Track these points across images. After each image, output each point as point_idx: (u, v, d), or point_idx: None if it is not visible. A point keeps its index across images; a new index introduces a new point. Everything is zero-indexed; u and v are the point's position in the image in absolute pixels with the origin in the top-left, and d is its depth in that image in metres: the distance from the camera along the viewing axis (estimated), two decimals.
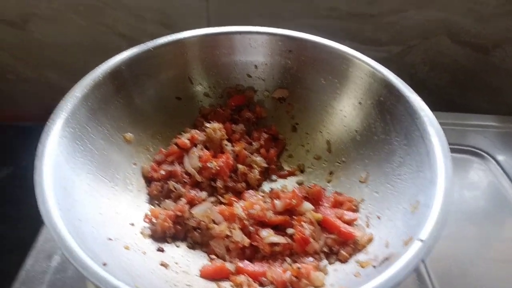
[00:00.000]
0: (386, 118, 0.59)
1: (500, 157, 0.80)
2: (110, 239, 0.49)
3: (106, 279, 0.38)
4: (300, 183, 0.65)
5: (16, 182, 1.34)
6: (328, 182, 0.64)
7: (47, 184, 0.45)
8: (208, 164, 0.60)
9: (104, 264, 0.41)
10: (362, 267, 0.48)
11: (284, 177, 0.66)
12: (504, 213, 0.73)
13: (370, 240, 0.52)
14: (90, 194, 0.52)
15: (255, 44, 0.68)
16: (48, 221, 0.42)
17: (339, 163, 0.65)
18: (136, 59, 0.62)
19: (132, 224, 0.55)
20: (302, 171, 0.67)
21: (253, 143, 0.67)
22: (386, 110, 0.60)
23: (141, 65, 0.62)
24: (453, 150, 0.79)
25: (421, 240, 0.41)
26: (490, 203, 0.75)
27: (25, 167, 1.54)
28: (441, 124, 0.85)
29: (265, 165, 0.65)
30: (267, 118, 0.72)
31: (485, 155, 0.81)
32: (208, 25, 1.03)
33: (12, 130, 1.44)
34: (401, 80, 0.59)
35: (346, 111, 0.65)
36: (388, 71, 0.60)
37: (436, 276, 0.61)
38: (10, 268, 1.16)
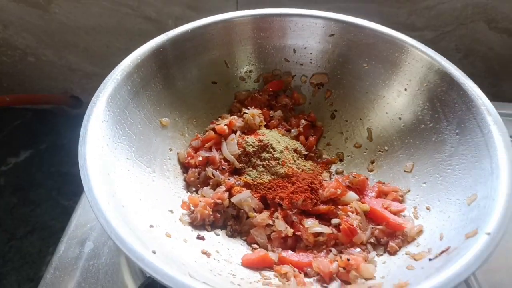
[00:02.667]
0: (436, 106, 0.57)
1: None
2: (151, 226, 0.48)
3: (162, 270, 0.36)
4: (339, 172, 0.63)
5: (35, 165, 1.35)
6: (370, 171, 0.62)
7: (92, 170, 0.43)
8: (246, 147, 0.58)
9: (154, 252, 0.40)
10: (416, 259, 0.46)
11: (323, 165, 0.63)
12: None
13: (420, 232, 0.49)
14: (130, 179, 0.50)
15: (295, 27, 0.65)
16: (96, 210, 0.40)
17: (381, 151, 0.62)
18: (177, 40, 0.59)
19: (171, 211, 0.54)
20: (341, 160, 0.65)
21: (291, 130, 0.65)
22: (435, 97, 0.57)
23: (182, 46, 0.61)
24: None
25: (488, 234, 0.38)
26: None
27: (44, 150, 1.54)
28: None
29: (305, 152, 0.62)
30: (305, 105, 0.69)
31: None
32: (237, 9, 1.00)
33: (30, 114, 1.44)
34: (455, 66, 0.56)
35: (389, 98, 0.62)
36: (440, 56, 0.57)
37: (486, 281, 0.58)
38: (34, 248, 1.17)
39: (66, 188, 1.24)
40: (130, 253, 0.37)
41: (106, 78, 0.52)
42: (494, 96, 1.08)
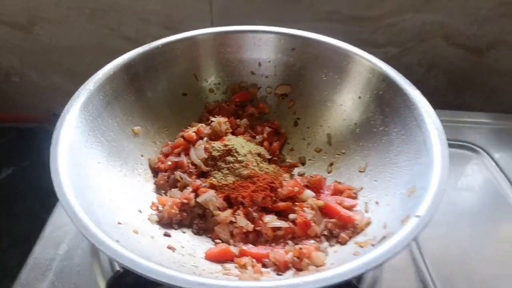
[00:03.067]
0: (385, 111, 0.62)
1: (494, 153, 0.82)
2: (120, 223, 0.51)
3: (121, 252, 0.40)
4: (301, 174, 0.67)
5: (18, 181, 1.37)
6: (329, 173, 0.67)
7: (62, 169, 0.47)
8: (212, 152, 0.63)
9: (117, 241, 0.43)
10: (361, 247, 0.50)
11: (286, 168, 0.68)
12: (498, 208, 0.74)
13: (368, 223, 0.54)
14: (101, 181, 0.54)
15: (259, 42, 0.71)
16: (64, 201, 0.44)
17: (339, 154, 0.67)
18: (148, 54, 0.65)
19: (140, 211, 0.57)
20: (303, 164, 0.70)
21: (256, 136, 0.69)
22: (385, 103, 0.62)
23: (152, 61, 0.65)
24: (449, 146, 0.83)
25: (418, 216, 0.43)
26: (484, 198, 0.77)
27: (27, 167, 1.56)
28: None
29: (269, 156, 0.67)
30: (270, 114, 0.74)
31: (480, 150, 0.83)
32: (212, 26, 1.06)
33: (14, 132, 1.47)
34: (399, 74, 0.61)
35: (346, 105, 0.68)
36: (387, 65, 0.63)
37: (437, 277, 0.62)
38: (15, 261, 1.18)
39: (48, 202, 1.26)
40: (92, 238, 0.41)
41: (79, 89, 0.57)
42: (458, 107, 1.15)
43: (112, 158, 0.59)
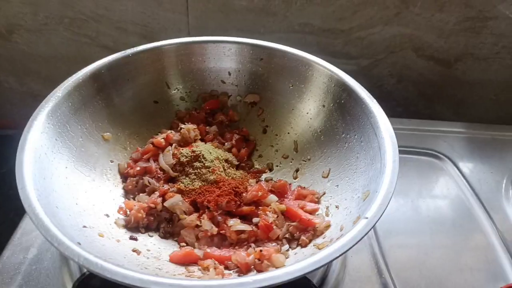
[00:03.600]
0: (347, 119, 0.65)
1: (458, 160, 0.86)
2: (85, 226, 0.53)
3: (78, 252, 0.41)
4: (268, 180, 0.70)
5: None
6: (295, 178, 0.69)
7: (27, 172, 0.49)
8: (180, 157, 0.65)
9: (78, 243, 0.45)
10: (319, 248, 0.52)
11: (253, 174, 0.70)
12: (461, 216, 0.77)
13: (328, 227, 0.56)
14: (68, 185, 0.56)
15: (228, 52, 0.73)
16: (27, 204, 0.45)
17: (305, 161, 0.70)
18: (116, 63, 0.66)
19: (107, 215, 0.59)
20: (271, 170, 0.72)
21: (225, 143, 0.71)
22: (346, 111, 0.65)
23: (121, 70, 0.67)
24: (413, 153, 0.86)
25: (366, 218, 0.45)
26: (449, 206, 0.79)
27: (5, 174, 1.55)
28: (403, 129, 0.92)
29: (236, 162, 0.69)
30: (240, 121, 0.77)
31: (445, 158, 0.87)
32: (189, 36, 1.09)
33: None
34: (359, 84, 0.64)
35: (311, 114, 0.71)
36: (348, 76, 0.66)
37: (400, 284, 0.65)
38: None
39: (23, 210, 1.25)
40: (52, 240, 0.42)
41: (48, 96, 0.58)
42: (429, 116, 1.19)
43: (80, 163, 0.60)
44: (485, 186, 0.81)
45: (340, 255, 0.42)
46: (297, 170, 0.70)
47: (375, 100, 0.61)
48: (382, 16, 1.02)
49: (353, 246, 0.43)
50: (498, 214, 0.75)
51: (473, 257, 0.70)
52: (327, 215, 0.59)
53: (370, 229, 0.44)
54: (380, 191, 0.49)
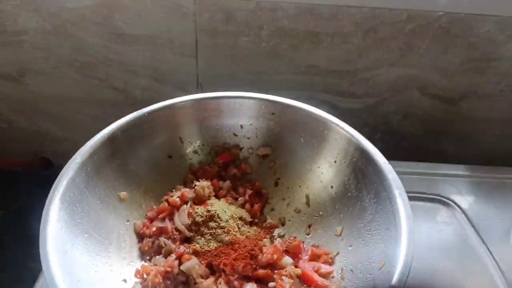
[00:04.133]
0: (358, 177, 0.66)
1: (464, 205, 0.87)
2: None
3: None
4: (281, 236, 0.70)
5: (6, 226, 1.37)
6: (307, 234, 0.70)
7: (51, 250, 0.50)
8: (196, 217, 0.66)
9: None
10: None
11: (267, 230, 0.71)
12: (467, 259, 0.77)
13: None
14: (87, 254, 0.57)
15: (240, 107, 0.75)
16: (52, 284, 0.46)
17: (317, 216, 0.71)
18: (132, 124, 0.67)
19: (125, 281, 0.59)
20: (283, 224, 0.73)
21: (238, 198, 0.72)
22: (358, 169, 0.66)
23: (136, 130, 0.68)
24: (422, 199, 0.87)
25: None
26: (455, 250, 0.80)
27: (15, 210, 1.57)
28: (412, 173, 0.93)
29: (250, 219, 0.70)
30: (252, 174, 0.78)
31: (451, 203, 0.87)
32: (197, 80, 1.11)
33: (2, 176, 1.47)
34: (370, 144, 0.66)
35: (323, 168, 0.72)
36: (360, 135, 0.67)
37: None
38: None
39: (33, 250, 1.26)
40: None
41: (66, 165, 0.59)
42: (434, 152, 1.21)
43: (98, 227, 0.61)
44: (494, 232, 0.82)
45: None
46: (309, 226, 0.71)
47: (388, 164, 0.62)
48: (387, 58, 1.04)
49: None
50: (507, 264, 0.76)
51: None
52: (342, 278, 0.60)
53: None
54: (397, 268, 0.49)
